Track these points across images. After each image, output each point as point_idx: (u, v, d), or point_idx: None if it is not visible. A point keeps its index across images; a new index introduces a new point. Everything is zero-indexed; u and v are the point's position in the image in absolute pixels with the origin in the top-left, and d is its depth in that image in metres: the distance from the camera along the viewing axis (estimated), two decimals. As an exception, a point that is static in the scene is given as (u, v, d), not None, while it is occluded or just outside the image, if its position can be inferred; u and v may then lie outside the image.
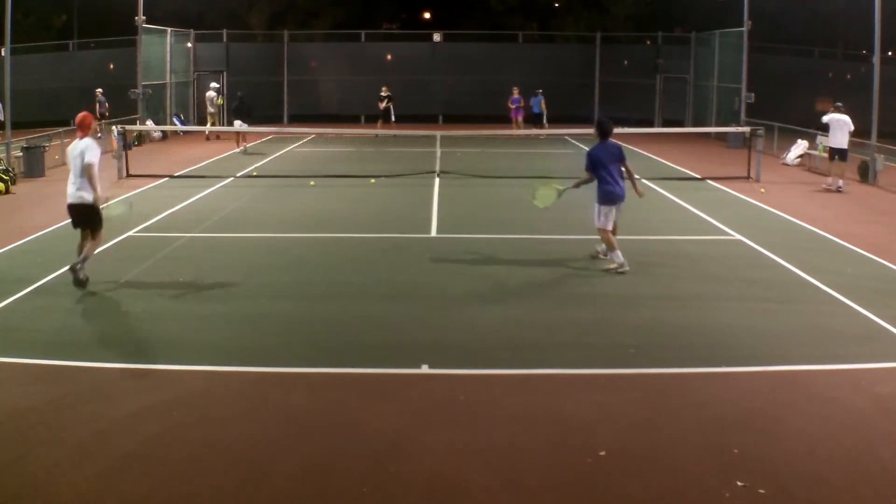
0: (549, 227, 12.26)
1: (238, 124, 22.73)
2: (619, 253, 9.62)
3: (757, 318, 7.89)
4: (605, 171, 9.68)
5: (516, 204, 14.40)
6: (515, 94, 27.26)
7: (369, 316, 8.03)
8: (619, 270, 9.53)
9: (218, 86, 27.89)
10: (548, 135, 26.55)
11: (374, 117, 29.36)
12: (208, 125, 26.46)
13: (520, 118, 27.38)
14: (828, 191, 16.46)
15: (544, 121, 27.50)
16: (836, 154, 16.56)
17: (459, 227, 12.50)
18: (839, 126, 16.52)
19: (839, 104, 16.99)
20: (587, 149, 10.22)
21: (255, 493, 4.72)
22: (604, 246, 9.93)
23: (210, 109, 26.95)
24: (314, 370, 6.64)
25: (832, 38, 35.74)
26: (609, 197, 9.73)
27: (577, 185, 10.11)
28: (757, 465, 5.04)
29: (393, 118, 27.53)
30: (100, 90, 26.82)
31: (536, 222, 12.65)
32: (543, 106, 27.46)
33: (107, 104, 26.57)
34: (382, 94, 27.72)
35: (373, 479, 4.87)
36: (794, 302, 8.53)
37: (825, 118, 16.92)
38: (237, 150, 22.35)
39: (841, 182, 16.45)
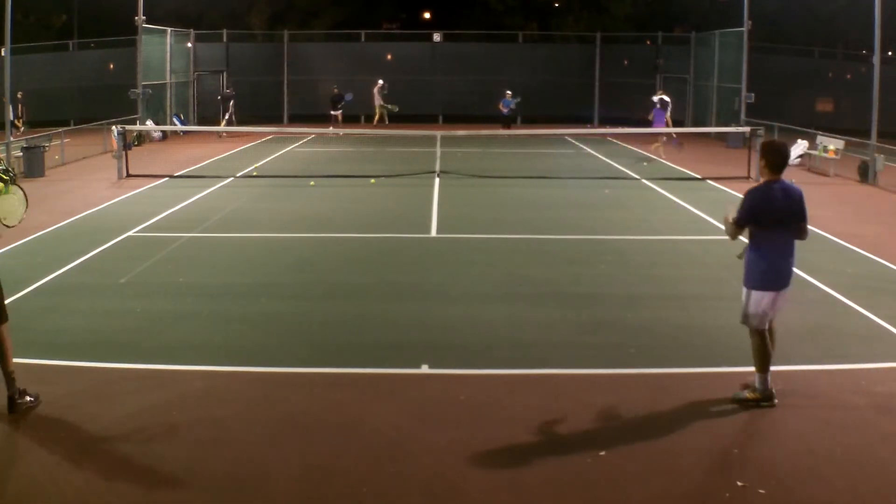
0: (549, 227, 12.28)
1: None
2: (768, 376, 5.93)
3: (757, 318, 7.87)
4: (772, 231, 5.87)
5: (516, 204, 14.42)
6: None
7: (369, 316, 8.03)
8: (761, 403, 5.88)
9: (383, 82, 29.29)
10: (548, 135, 26.51)
11: (372, 117, 29.48)
12: (376, 119, 29.04)
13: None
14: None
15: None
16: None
17: (459, 227, 12.49)
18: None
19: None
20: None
21: (255, 493, 4.72)
22: (758, 381, 5.96)
23: (378, 102, 29.02)
24: (314, 370, 6.63)
25: (832, 38, 35.70)
26: (775, 276, 5.92)
27: (742, 255, 6.28)
28: (757, 465, 5.04)
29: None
30: (20, 93, 26.35)
31: (536, 222, 12.67)
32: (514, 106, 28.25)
33: (22, 107, 25.91)
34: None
35: (373, 479, 4.87)
36: (794, 302, 8.46)
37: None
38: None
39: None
